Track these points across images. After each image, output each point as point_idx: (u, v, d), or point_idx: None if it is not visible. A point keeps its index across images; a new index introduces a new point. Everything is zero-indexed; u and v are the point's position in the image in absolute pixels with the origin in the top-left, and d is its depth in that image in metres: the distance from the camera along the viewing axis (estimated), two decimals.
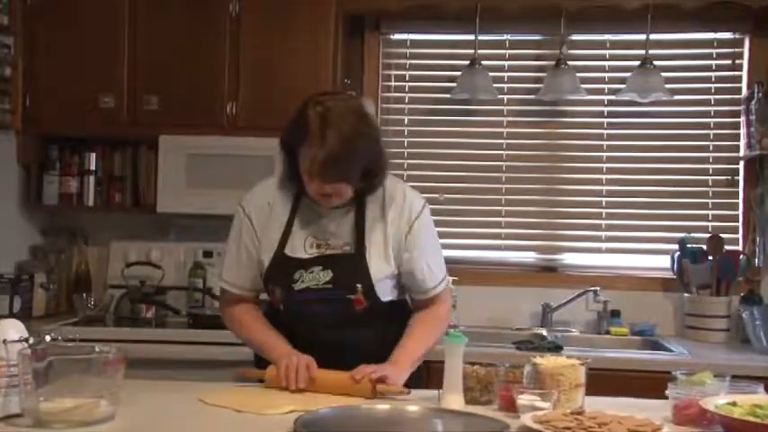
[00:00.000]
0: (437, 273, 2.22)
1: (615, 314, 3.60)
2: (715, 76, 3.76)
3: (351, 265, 2.12)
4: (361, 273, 2.10)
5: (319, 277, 2.11)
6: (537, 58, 3.86)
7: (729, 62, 3.74)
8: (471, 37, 3.75)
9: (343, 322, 2.12)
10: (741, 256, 3.55)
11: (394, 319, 2.19)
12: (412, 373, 2.11)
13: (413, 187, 2.29)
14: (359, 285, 2.10)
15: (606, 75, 3.82)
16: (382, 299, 2.14)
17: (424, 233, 2.18)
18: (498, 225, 3.85)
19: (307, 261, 2.13)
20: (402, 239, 2.15)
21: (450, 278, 3.36)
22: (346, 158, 1.98)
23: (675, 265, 3.61)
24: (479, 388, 1.95)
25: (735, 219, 3.71)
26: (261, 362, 2.20)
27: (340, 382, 2.00)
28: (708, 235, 3.63)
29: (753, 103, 3.52)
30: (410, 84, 3.93)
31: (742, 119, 3.64)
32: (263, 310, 2.27)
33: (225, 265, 2.26)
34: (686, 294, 3.57)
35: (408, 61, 3.94)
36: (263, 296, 2.27)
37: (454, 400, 1.89)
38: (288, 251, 2.15)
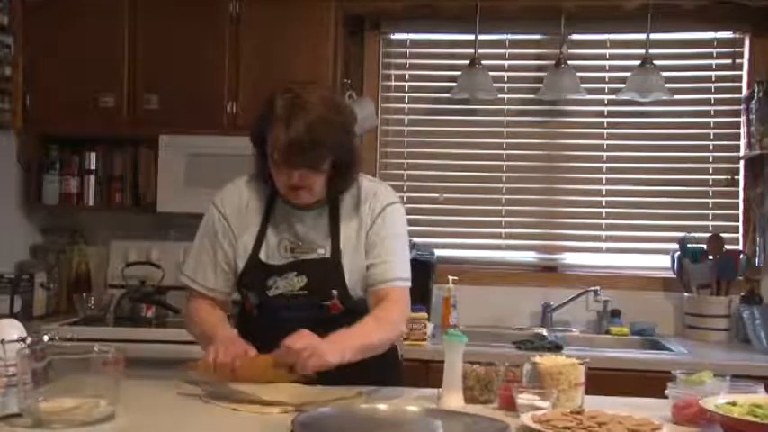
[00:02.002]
0: (393, 269, 2.10)
1: (615, 314, 3.60)
2: (715, 76, 3.76)
3: (326, 271, 2.08)
4: (336, 278, 2.07)
5: (294, 283, 2.08)
6: (537, 57, 3.86)
7: (729, 62, 3.74)
8: (471, 37, 3.74)
9: (320, 327, 2.02)
10: (741, 256, 3.55)
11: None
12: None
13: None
14: (334, 291, 2.07)
15: (606, 74, 3.82)
16: (359, 302, 2.11)
17: (384, 229, 2.11)
18: (498, 225, 3.85)
19: (281, 267, 2.09)
20: (367, 238, 2.11)
21: (451, 277, 3.44)
22: (310, 143, 1.95)
23: (676, 265, 3.61)
24: (479, 387, 1.95)
25: (735, 218, 3.71)
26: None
27: (261, 368, 1.93)
28: (708, 234, 3.63)
29: (753, 102, 3.52)
30: (410, 84, 3.93)
31: (742, 118, 3.64)
32: (234, 312, 2.24)
33: (195, 266, 2.18)
34: (686, 294, 3.57)
35: (408, 61, 3.94)
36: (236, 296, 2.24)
37: (454, 399, 1.89)
38: (262, 256, 2.11)
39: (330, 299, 2.07)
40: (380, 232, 2.11)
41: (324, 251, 2.10)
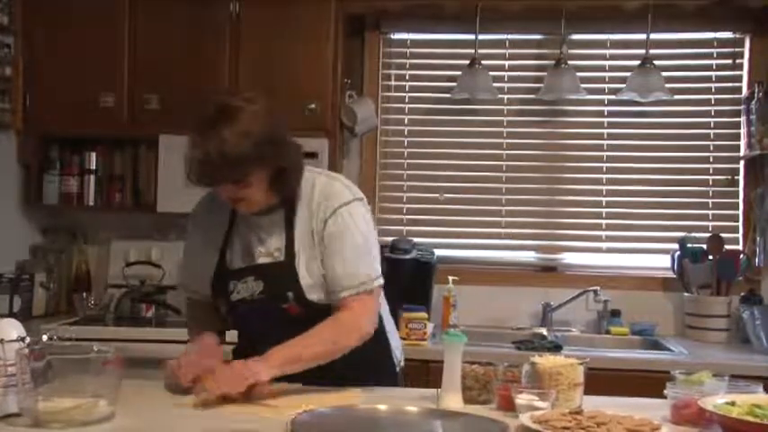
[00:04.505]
0: (350, 277, 2.04)
1: (615, 314, 3.60)
2: (715, 76, 3.75)
3: (280, 274, 2.07)
4: (290, 281, 2.06)
5: (252, 287, 2.09)
6: (537, 57, 3.85)
7: (730, 62, 3.73)
8: (471, 37, 3.74)
9: (282, 331, 2.01)
10: (741, 256, 3.55)
11: None
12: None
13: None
14: (290, 294, 2.05)
15: (606, 74, 3.81)
16: (318, 303, 2.07)
17: (338, 231, 2.06)
18: (498, 225, 3.85)
19: (240, 272, 2.12)
20: (320, 238, 2.07)
21: (451, 277, 3.43)
22: (220, 160, 1.90)
23: (676, 265, 3.61)
24: (478, 387, 1.95)
25: (735, 218, 3.70)
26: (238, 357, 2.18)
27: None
28: (708, 235, 3.62)
29: (753, 102, 3.52)
30: (410, 84, 3.93)
31: (742, 118, 3.63)
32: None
33: (181, 271, 2.30)
34: (686, 294, 3.57)
35: (408, 61, 3.94)
36: None
37: (453, 399, 1.90)
38: (227, 262, 2.14)
39: (287, 301, 2.06)
40: (332, 238, 2.06)
41: (279, 254, 2.09)
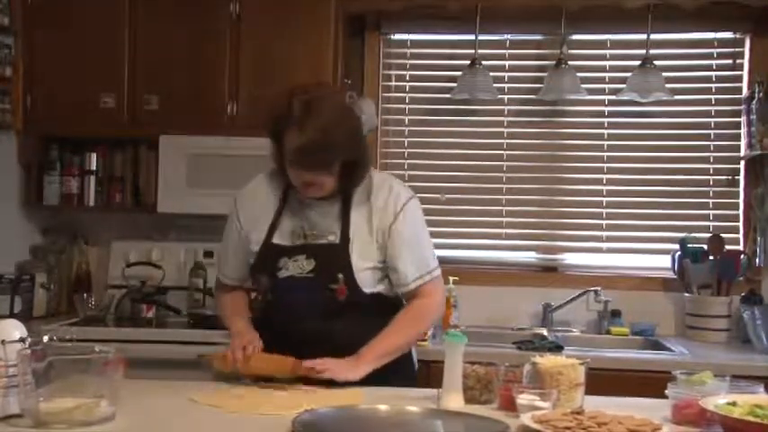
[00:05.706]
0: (418, 267, 2.24)
1: (616, 314, 3.59)
2: (716, 76, 3.75)
3: (333, 255, 2.16)
4: (342, 263, 2.15)
5: (303, 266, 2.17)
6: (537, 58, 3.85)
7: (730, 62, 3.73)
8: (471, 37, 3.74)
9: (326, 311, 2.16)
10: (742, 256, 3.54)
11: (378, 311, 2.19)
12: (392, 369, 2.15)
13: (413, 187, 2.37)
14: (340, 275, 2.14)
15: (606, 75, 3.81)
16: (365, 290, 2.18)
17: (407, 225, 2.22)
18: (499, 225, 3.85)
19: (291, 249, 2.19)
20: (386, 231, 2.19)
21: (451, 277, 3.43)
22: (324, 147, 2.06)
23: (676, 265, 3.61)
24: (479, 387, 1.95)
25: (735, 218, 3.70)
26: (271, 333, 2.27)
27: (273, 365, 2.09)
28: (708, 235, 3.62)
29: (753, 102, 3.52)
30: (410, 84, 3.93)
31: (743, 118, 3.63)
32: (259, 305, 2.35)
33: (219, 258, 2.44)
34: (687, 294, 3.57)
35: (408, 61, 3.94)
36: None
37: (454, 399, 1.90)
38: (275, 240, 2.21)
39: (336, 282, 2.14)
40: (404, 230, 2.21)
41: (334, 237, 2.18)
